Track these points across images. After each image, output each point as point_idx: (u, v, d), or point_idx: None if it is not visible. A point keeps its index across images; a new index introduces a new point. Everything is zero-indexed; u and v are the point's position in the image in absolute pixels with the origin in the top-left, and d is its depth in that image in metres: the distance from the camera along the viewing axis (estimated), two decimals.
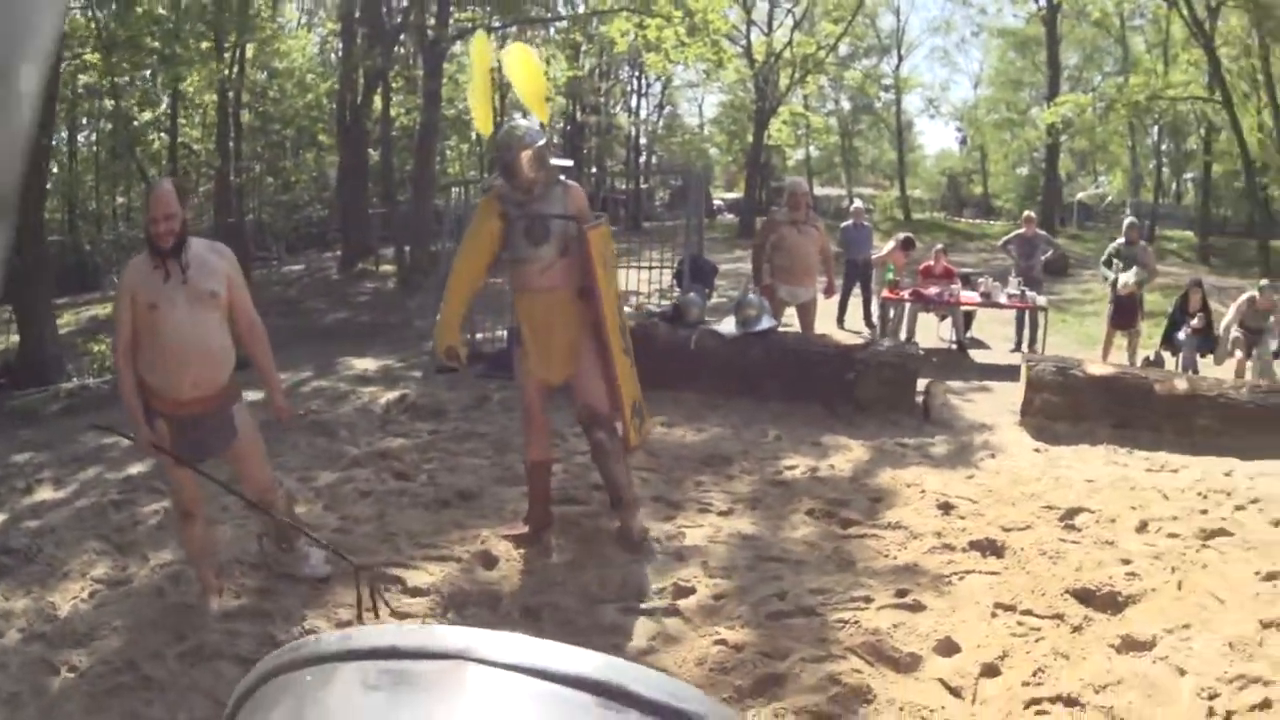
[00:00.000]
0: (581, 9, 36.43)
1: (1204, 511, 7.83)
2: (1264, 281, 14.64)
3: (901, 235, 18.52)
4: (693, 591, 6.33)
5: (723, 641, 5.59)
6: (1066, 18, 48.37)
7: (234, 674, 5.20)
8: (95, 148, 40.22)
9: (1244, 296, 13.67)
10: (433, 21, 28.57)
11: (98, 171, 39.95)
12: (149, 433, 5.86)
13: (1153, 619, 5.76)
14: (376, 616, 5.73)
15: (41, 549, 7.35)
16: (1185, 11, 32.88)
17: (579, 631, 5.80)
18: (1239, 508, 8.01)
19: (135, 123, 35.09)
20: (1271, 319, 13.47)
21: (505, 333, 14.34)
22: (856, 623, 5.73)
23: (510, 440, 9.91)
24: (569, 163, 9.36)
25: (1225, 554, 6.86)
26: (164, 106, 36.00)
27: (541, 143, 7.03)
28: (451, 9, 29.34)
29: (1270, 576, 6.37)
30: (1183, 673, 5.12)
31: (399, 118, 37.51)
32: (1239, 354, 13.37)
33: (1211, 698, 4.87)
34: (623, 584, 6.48)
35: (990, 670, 5.27)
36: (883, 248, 18.25)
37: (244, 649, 5.68)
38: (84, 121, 38.77)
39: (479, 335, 15.16)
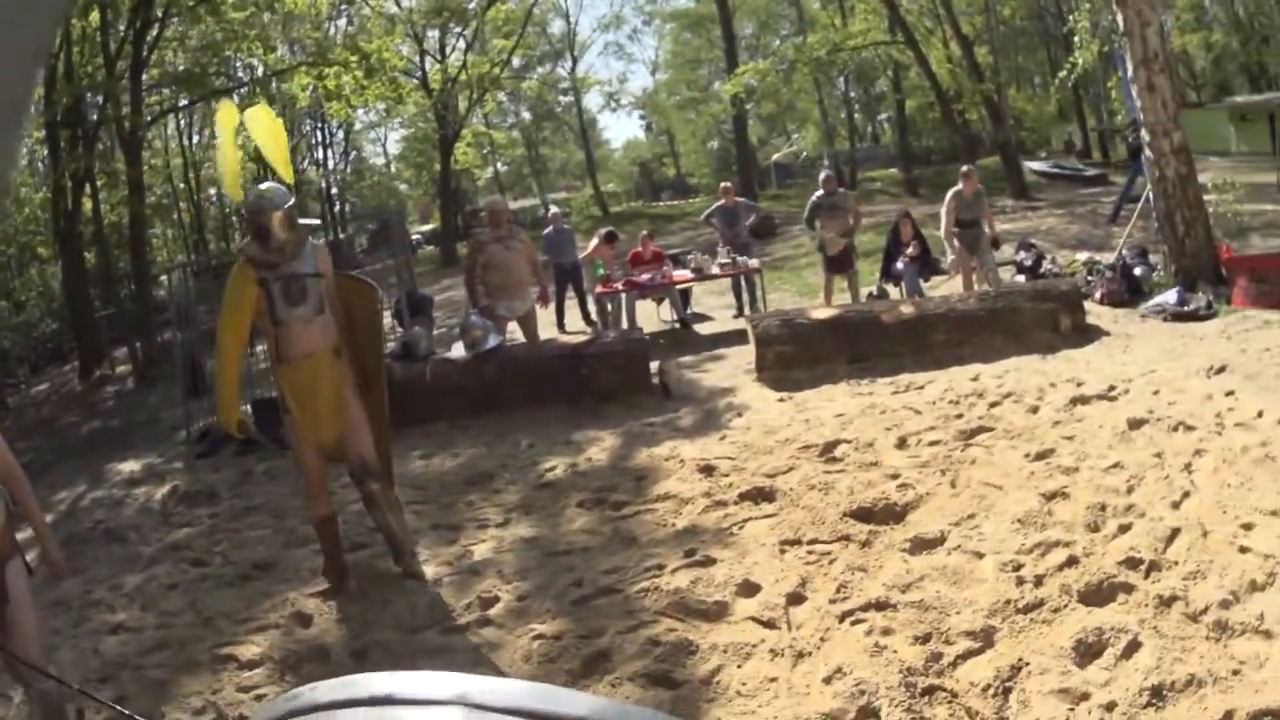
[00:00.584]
0: (260, 71, 36.28)
1: (959, 416, 8.47)
2: (965, 167, 15.39)
3: (603, 230, 18.92)
4: (497, 600, 6.56)
5: (540, 635, 5.86)
6: None
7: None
8: None
9: (950, 191, 14.37)
10: (127, 111, 28.46)
11: None
12: None
13: (935, 518, 6.28)
14: None
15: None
16: None
17: (408, 659, 5.99)
18: (994, 404, 8.68)
19: None
20: (982, 208, 14.26)
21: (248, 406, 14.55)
22: (657, 589, 6.06)
23: (285, 505, 10.17)
24: (316, 222, 9.61)
25: (991, 447, 7.48)
26: None
27: (291, 204, 7.17)
28: (143, 95, 29.44)
29: (1040, 456, 7.05)
30: (980, 555, 5.63)
31: (107, 215, 36.74)
32: (959, 259, 14.21)
33: (1017, 569, 5.40)
34: (431, 607, 6.68)
35: (795, 599, 5.66)
36: (587, 246, 18.60)
37: None
38: None
39: (208, 420, 15.18)
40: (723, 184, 19.23)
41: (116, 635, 7.46)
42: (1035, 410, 8.30)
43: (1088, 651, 4.59)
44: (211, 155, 58.29)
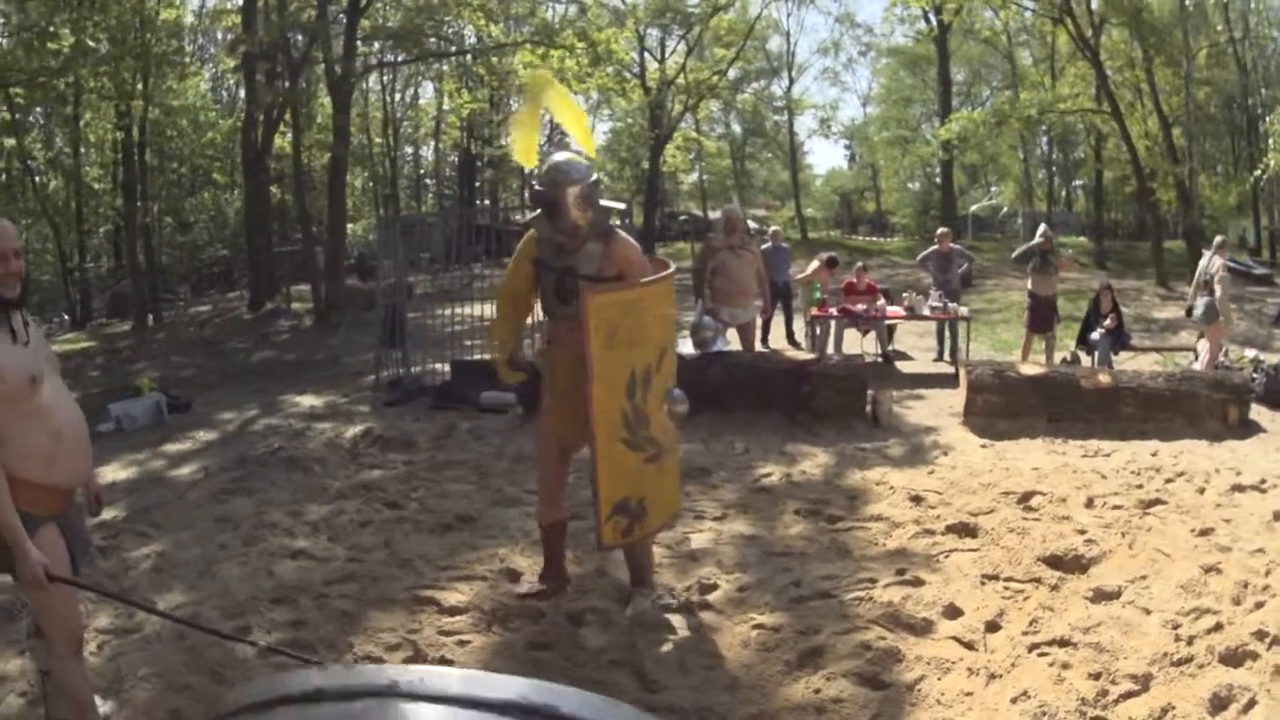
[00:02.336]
0: (474, 40, 36.17)
1: (1139, 486, 8.82)
2: (1219, 238, 15.74)
3: (825, 255, 19.13)
4: (716, 587, 6.89)
5: (760, 625, 6.21)
6: (954, 35, 49.15)
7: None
8: None
9: (1215, 265, 14.58)
10: (339, 56, 28.50)
11: None
12: (39, 558, 4.40)
13: (1114, 574, 6.71)
14: None
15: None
16: (1071, 28, 33.91)
17: (624, 631, 6.20)
18: (1169, 480, 9.03)
19: (34, 160, 34.74)
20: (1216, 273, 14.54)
21: (446, 366, 15.03)
22: (870, 599, 6.46)
23: (490, 465, 10.35)
24: (621, 205, 9.00)
25: (1164, 519, 7.87)
26: (62, 145, 35.50)
27: (592, 181, 6.22)
28: (356, 43, 29.35)
29: (1203, 533, 7.46)
30: (1148, 612, 6.06)
31: (305, 153, 36.69)
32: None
33: (1175, 628, 5.82)
34: (655, 585, 6.88)
35: (992, 626, 6.08)
36: (806, 268, 18.86)
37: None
38: None
39: (415, 369, 15.69)
40: (940, 230, 19.24)
41: (296, 560, 7.63)
42: (1202, 491, 8.65)
43: (1220, 704, 5.00)
44: (413, 115, 58.93)
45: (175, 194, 43.63)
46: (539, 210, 6.29)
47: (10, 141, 32.49)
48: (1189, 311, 15.58)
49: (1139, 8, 32.70)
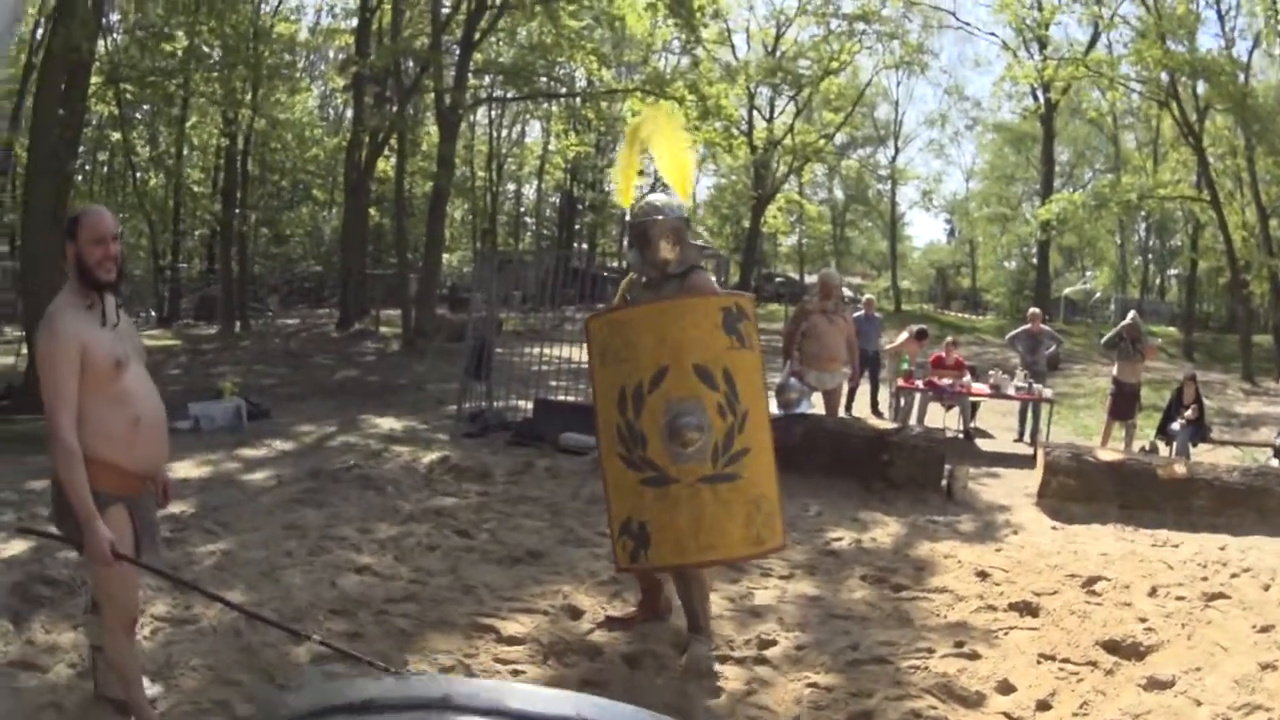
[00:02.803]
0: (585, 83, 36.73)
1: (1204, 579, 8.72)
2: None
3: (916, 327, 19.16)
4: (775, 643, 6.91)
5: (814, 684, 6.23)
6: (1061, 114, 48.98)
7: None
8: (91, 179, 39.59)
9: None
10: (449, 87, 28.78)
11: (92, 201, 35.36)
12: (107, 535, 4.50)
13: (1170, 664, 6.68)
14: None
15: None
16: (1176, 112, 33.77)
17: (678, 677, 6.20)
18: (1234, 575, 8.93)
19: (137, 157, 35.63)
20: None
21: (529, 404, 15.11)
22: (926, 668, 6.48)
23: (563, 505, 10.42)
24: (708, 245, 9.17)
25: (1225, 613, 7.80)
26: (165, 145, 36.28)
27: (684, 219, 6.56)
28: (468, 75, 29.72)
29: (1264, 629, 7.36)
30: (1199, 704, 6.04)
31: (407, 179, 36.89)
32: None
33: None
34: (713, 633, 6.86)
35: (1043, 705, 6.07)
36: (896, 339, 18.86)
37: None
38: (80, 150, 35.43)
39: (498, 403, 15.83)
40: (1032, 310, 19.13)
41: (360, 575, 7.75)
42: (1267, 588, 8.51)
43: None
44: (518, 152, 59.34)
45: (274, 205, 44.43)
46: (631, 246, 6.66)
47: (116, 135, 33.42)
48: None
49: (1244, 94, 32.50)
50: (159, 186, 37.51)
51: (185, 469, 11.55)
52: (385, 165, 36.14)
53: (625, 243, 6.50)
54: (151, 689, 5.36)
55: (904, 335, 18.47)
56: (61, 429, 4.45)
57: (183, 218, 39.39)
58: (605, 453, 6.12)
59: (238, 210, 34.22)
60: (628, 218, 6.94)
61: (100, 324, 4.65)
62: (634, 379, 5.90)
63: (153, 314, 36.94)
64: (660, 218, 6.39)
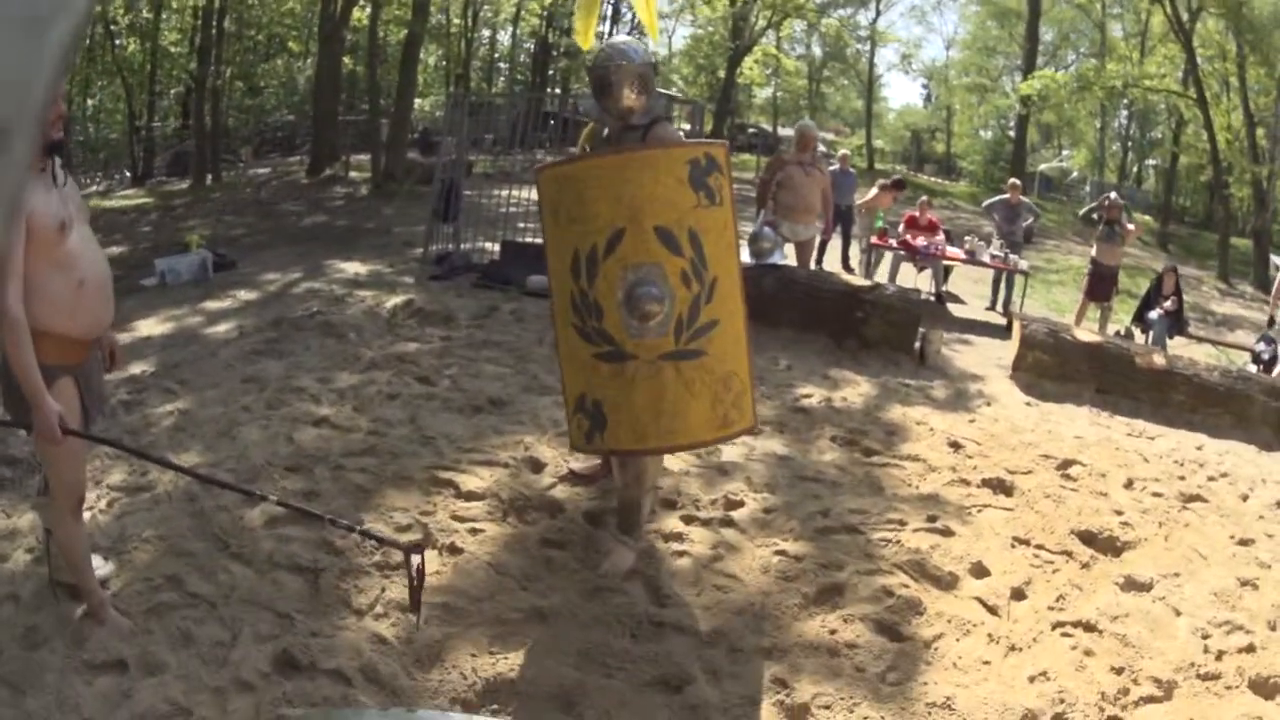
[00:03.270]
0: None
1: (1181, 478, 8.43)
2: None
3: (894, 178, 18.86)
4: (742, 505, 6.64)
5: (782, 552, 5.97)
6: None
7: (295, 585, 5.22)
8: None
9: None
10: None
11: (72, 74, 35.97)
12: (56, 410, 4.27)
13: (1147, 564, 6.35)
14: (415, 607, 4.57)
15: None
16: (1168, 8, 33.26)
17: (644, 538, 5.96)
18: (1211, 479, 8.64)
19: (116, 26, 35.33)
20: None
21: (496, 246, 14.75)
22: (898, 542, 6.20)
23: (528, 351, 10.09)
24: (679, 94, 8.51)
25: (1203, 518, 7.49)
26: (141, 8, 35.75)
27: (650, 63, 5.85)
28: None
29: (1243, 542, 7.05)
30: (1178, 613, 5.72)
31: (382, 27, 37.20)
32: None
33: (1205, 637, 5.48)
34: (676, 492, 6.74)
35: (1018, 594, 5.78)
36: (868, 192, 18.50)
37: (302, 556, 5.46)
38: None
39: (465, 245, 15.46)
40: (1011, 180, 18.82)
41: (318, 429, 7.48)
42: (1245, 499, 8.23)
43: None
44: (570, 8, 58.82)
45: (249, 60, 44.08)
46: (593, 91, 5.91)
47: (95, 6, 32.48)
48: (1271, 321, 15.21)
49: (1240, 2, 32.01)
50: (137, 51, 37.04)
51: (149, 326, 11.31)
52: (360, 14, 35.68)
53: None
54: (103, 568, 5.20)
55: (875, 190, 18.02)
56: (7, 300, 4.10)
57: (159, 79, 38.93)
58: (559, 320, 5.54)
59: (212, 67, 33.73)
60: (589, 62, 6.29)
61: (49, 186, 4.27)
62: (587, 242, 5.26)
63: (127, 174, 36.56)
64: (624, 63, 5.69)
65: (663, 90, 6.97)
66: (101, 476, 6.38)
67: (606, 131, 5.94)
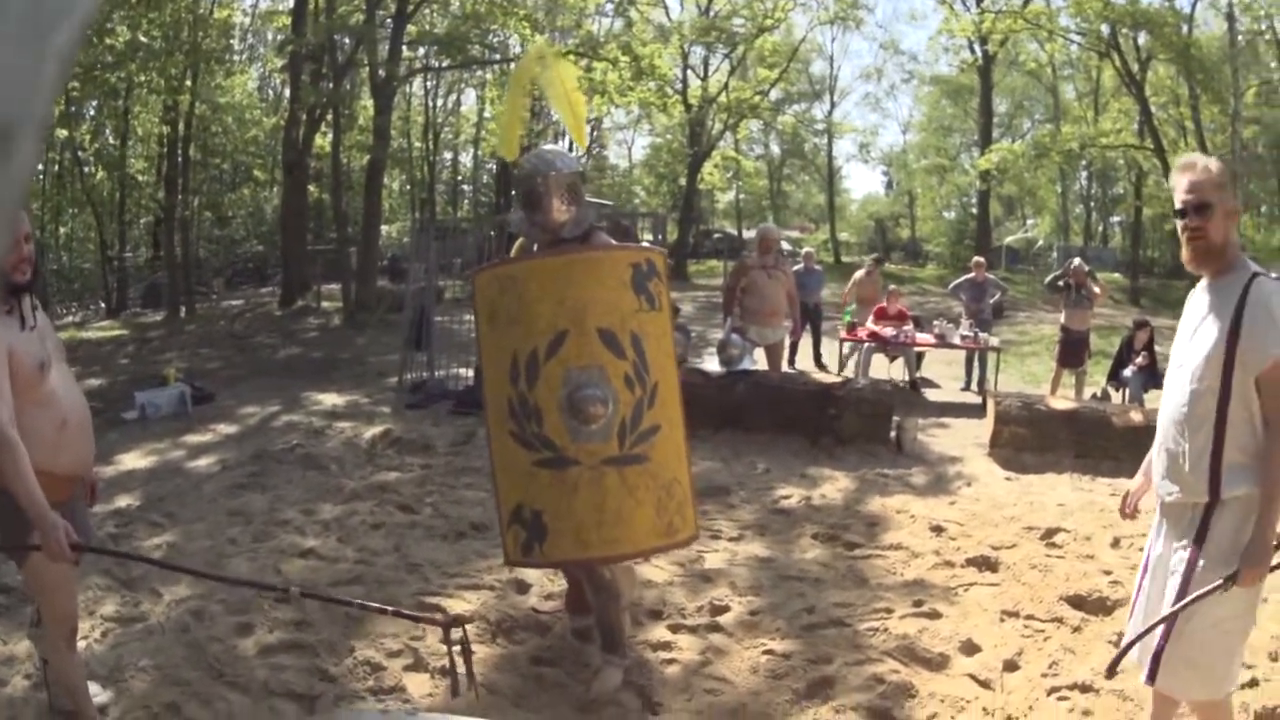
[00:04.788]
0: (520, 50, 36.40)
1: None
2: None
3: (871, 256, 19.21)
4: (728, 609, 6.74)
5: (770, 651, 6.06)
6: (999, 66, 49.16)
7: (292, 711, 5.32)
8: (40, 178, 38.40)
9: None
10: (384, 59, 28.84)
11: (43, 202, 37.61)
12: (62, 524, 4.21)
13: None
14: (468, 676, 4.59)
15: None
16: (1117, 62, 33.88)
17: (633, 649, 6.03)
18: None
19: (84, 152, 35.42)
20: None
21: (470, 371, 14.90)
22: (885, 630, 6.31)
23: None
24: (606, 202, 8.35)
25: None
26: (108, 137, 36.13)
27: (578, 173, 5.75)
28: (402, 47, 29.72)
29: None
30: None
31: (345, 154, 37.32)
32: None
33: None
34: (661, 602, 6.84)
35: (1010, 665, 5.88)
36: (851, 279, 18.76)
37: (296, 684, 5.56)
38: None
39: (439, 373, 15.71)
40: (975, 258, 19.18)
41: (305, 560, 7.64)
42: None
43: None
44: (454, 121, 59.49)
45: (216, 189, 44.35)
46: (520, 204, 5.79)
47: (63, 133, 33.15)
48: None
49: (1187, 44, 32.75)
50: (105, 180, 37.21)
51: (132, 459, 11.53)
52: (323, 141, 36.01)
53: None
54: (101, 695, 5.24)
55: (860, 271, 18.37)
56: (1, 424, 4.13)
57: (128, 208, 39.03)
58: (493, 429, 5.42)
59: (180, 196, 33.86)
60: (516, 172, 6.08)
61: (20, 327, 4.39)
62: (528, 344, 5.20)
63: (102, 305, 36.60)
64: (552, 173, 5.53)
65: (594, 199, 7.00)
66: (94, 607, 6.47)
67: (536, 247, 5.72)
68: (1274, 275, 3.93)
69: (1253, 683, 5.55)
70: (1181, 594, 4.06)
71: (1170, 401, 4.19)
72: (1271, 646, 6.02)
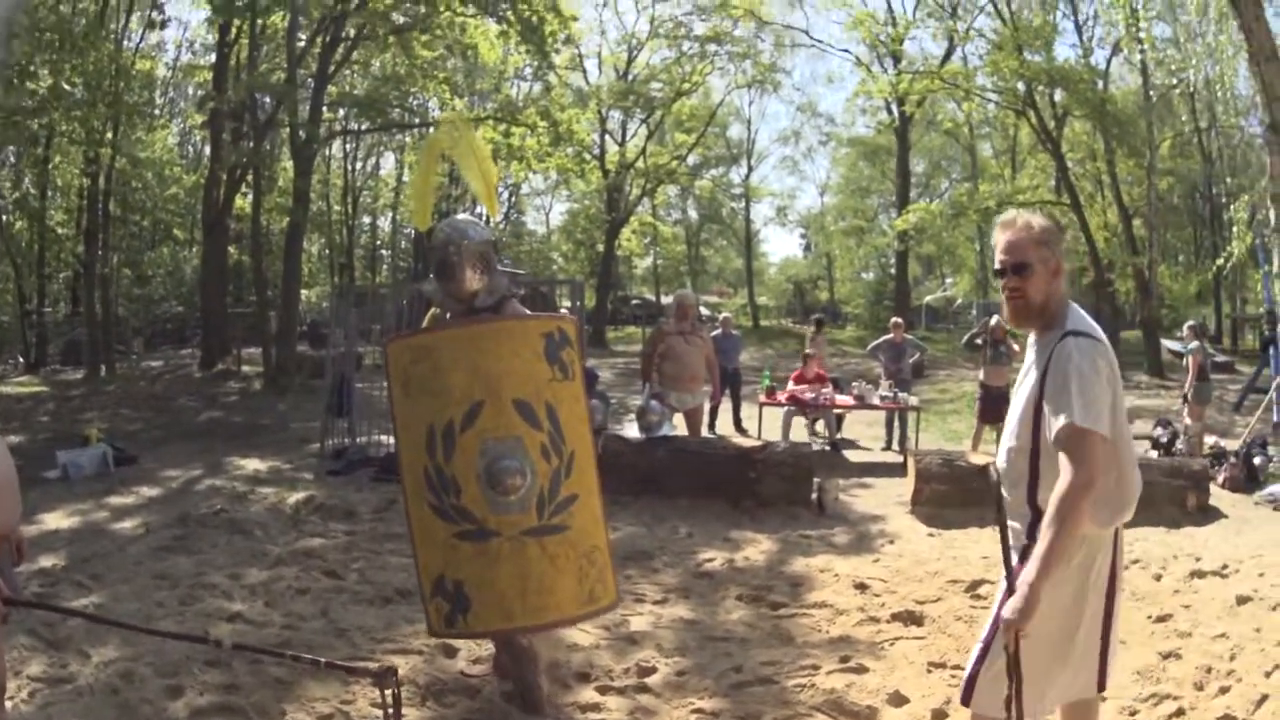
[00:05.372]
0: (439, 113, 36.45)
1: None
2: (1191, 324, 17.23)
3: (813, 317, 19.50)
4: (654, 670, 6.78)
5: (699, 710, 6.10)
6: (916, 126, 49.78)
7: None
8: None
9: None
10: (304, 120, 28.69)
11: None
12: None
13: None
14: None
15: None
16: (1034, 120, 34.50)
17: (562, 712, 6.08)
18: (1124, 567, 8.97)
19: (3, 200, 35.14)
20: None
21: (391, 439, 14.91)
22: (813, 685, 6.36)
23: None
24: (519, 271, 8.37)
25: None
26: (29, 187, 35.74)
27: (490, 242, 5.80)
28: (322, 109, 29.74)
29: (1160, 619, 7.51)
30: (1103, 699, 5.98)
31: (265, 216, 36.71)
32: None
33: (1132, 714, 5.82)
34: (588, 664, 6.87)
35: (939, 715, 5.98)
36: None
37: None
38: None
39: (361, 439, 15.78)
40: (894, 319, 19.52)
41: (233, 624, 7.55)
42: (1159, 578, 8.73)
43: None
44: (373, 185, 59.59)
45: (135, 246, 44.12)
46: (433, 274, 5.83)
47: None
48: (1184, 398, 16.59)
49: (1103, 100, 33.42)
50: (24, 230, 36.86)
51: (55, 519, 11.51)
52: (243, 202, 35.70)
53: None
54: None
55: (809, 337, 18.75)
56: None
57: (47, 261, 38.61)
58: (411, 499, 5.41)
59: (100, 252, 33.55)
60: (429, 242, 6.21)
61: None
62: (444, 416, 5.21)
63: (20, 360, 36.40)
64: (464, 242, 5.60)
65: (508, 269, 7.06)
66: (20, 667, 6.37)
67: (449, 316, 5.78)
68: (1083, 333, 4.00)
69: (1179, 712, 5.73)
70: (993, 624, 4.17)
71: (999, 455, 4.31)
72: (1196, 676, 6.21)
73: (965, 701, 4.33)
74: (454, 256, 5.57)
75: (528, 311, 6.01)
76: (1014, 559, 4.10)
